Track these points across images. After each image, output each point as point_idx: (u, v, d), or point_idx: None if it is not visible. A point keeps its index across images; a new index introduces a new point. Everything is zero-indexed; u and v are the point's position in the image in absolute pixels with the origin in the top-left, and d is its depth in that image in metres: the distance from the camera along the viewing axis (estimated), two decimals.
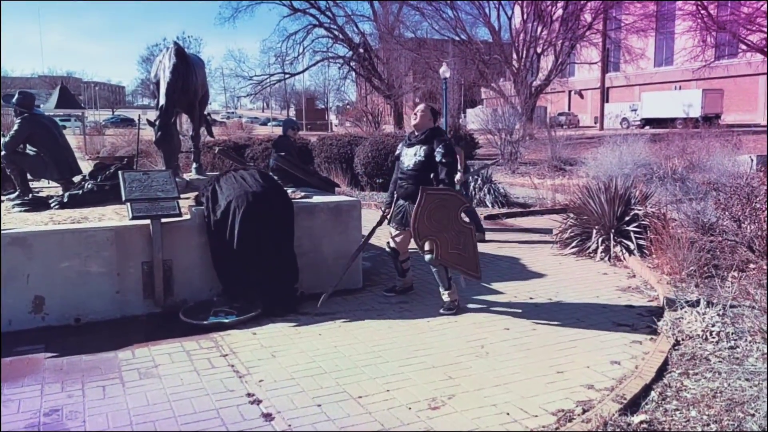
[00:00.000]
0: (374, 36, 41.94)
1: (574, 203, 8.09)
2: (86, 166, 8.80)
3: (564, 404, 3.51)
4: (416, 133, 5.44)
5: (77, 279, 4.91)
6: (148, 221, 5.09)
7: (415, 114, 5.50)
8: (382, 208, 5.84)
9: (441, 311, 5.21)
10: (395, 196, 5.59)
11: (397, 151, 5.65)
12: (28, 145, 6.66)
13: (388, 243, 5.66)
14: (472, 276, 5.19)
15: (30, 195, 6.57)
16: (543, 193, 11.81)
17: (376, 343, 4.54)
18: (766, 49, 25.48)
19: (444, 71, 24.94)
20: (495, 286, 6.02)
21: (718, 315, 4.58)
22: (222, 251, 5.27)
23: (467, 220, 5.24)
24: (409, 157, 5.38)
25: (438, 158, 5.22)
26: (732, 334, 4.34)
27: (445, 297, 5.26)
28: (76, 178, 6.94)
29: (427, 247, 5.03)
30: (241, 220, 5.24)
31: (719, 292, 5.24)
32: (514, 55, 34.57)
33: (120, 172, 5.60)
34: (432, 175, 5.28)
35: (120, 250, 5.04)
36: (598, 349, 4.36)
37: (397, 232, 5.52)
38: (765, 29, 24.67)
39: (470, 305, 5.41)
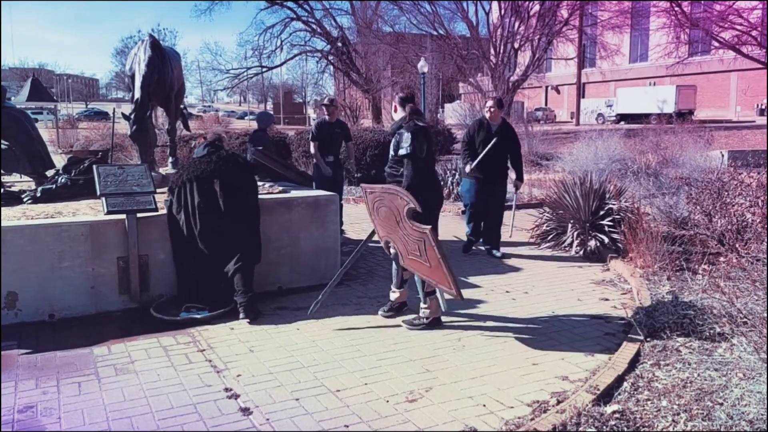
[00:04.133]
0: (352, 30, 41.74)
1: (550, 198, 8.19)
2: (59, 160, 8.65)
3: (539, 395, 3.58)
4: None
5: (51, 274, 4.85)
6: (123, 216, 5.05)
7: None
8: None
9: (402, 323, 4.77)
10: None
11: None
12: None
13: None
14: (448, 292, 4.33)
15: (1, 189, 6.44)
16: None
17: (354, 337, 4.57)
18: (737, 47, 25.92)
19: (422, 66, 24.97)
20: (471, 279, 6.07)
21: (689, 307, 4.68)
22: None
23: (424, 225, 4.28)
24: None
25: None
26: (702, 325, 4.44)
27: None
28: (50, 172, 6.83)
29: (392, 250, 4.65)
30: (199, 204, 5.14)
31: (690, 284, 5.36)
32: (492, 51, 34.67)
33: (94, 167, 5.52)
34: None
35: (95, 245, 4.98)
36: (573, 342, 4.44)
37: None
38: (736, 27, 25.09)
39: (447, 298, 5.44)
